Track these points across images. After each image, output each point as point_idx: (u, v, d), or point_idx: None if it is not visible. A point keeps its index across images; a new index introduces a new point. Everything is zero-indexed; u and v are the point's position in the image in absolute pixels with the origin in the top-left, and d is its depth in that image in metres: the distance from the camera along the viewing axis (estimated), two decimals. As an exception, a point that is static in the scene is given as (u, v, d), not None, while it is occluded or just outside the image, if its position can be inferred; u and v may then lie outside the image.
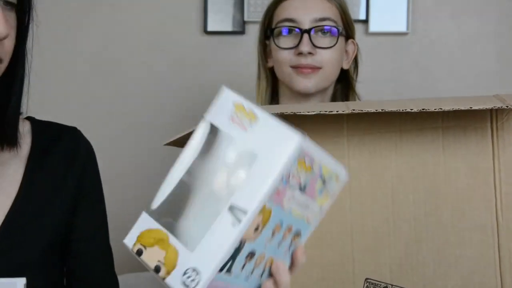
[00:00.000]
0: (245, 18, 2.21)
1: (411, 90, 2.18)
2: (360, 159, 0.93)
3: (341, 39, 1.36)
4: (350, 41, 1.43)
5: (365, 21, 2.19)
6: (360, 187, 0.93)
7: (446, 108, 0.84)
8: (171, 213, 0.67)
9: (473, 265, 0.93)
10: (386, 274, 0.93)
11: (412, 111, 0.86)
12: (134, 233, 0.69)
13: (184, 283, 0.62)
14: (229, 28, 2.23)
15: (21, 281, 0.72)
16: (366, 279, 0.92)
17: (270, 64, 1.44)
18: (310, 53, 1.29)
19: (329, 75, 1.35)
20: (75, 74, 2.20)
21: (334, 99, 1.47)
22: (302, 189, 0.67)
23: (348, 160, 0.93)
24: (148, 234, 0.67)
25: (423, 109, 0.85)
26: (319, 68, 1.31)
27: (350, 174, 0.92)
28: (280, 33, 1.34)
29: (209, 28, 2.22)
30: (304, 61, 1.30)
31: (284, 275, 0.68)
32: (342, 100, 1.46)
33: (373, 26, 2.18)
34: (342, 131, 0.93)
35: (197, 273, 0.63)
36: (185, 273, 0.63)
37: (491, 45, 2.23)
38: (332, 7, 1.34)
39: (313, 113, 0.87)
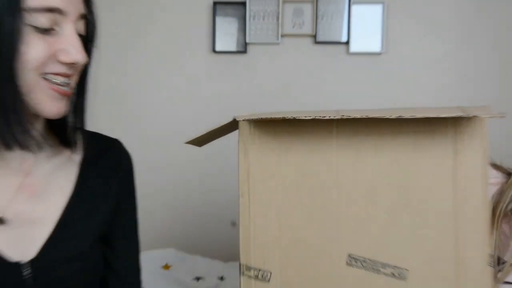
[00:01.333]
0: (247, 40, 2.22)
1: (385, 101, 2.20)
2: (346, 158, 0.94)
3: None
4: None
5: (347, 43, 2.20)
6: (346, 180, 0.94)
7: (419, 115, 0.86)
8: None
9: (436, 243, 0.94)
10: (365, 250, 0.94)
11: (391, 117, 0.87)
12: None
13: None
14: (233, 48, 2.24)
15: None
16: (349, 254, 0.94)
17: None
18: None
19: None
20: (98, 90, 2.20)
21: None
22: None
23: (337, 158, 0.94)
24: None
25: (399, 116, 0.86)
26: None
27: (340, 170, 0.94)
28: None
29: (217, 48, 2.23)
30: None
31: None
32: None
33: (353, 47, 2.20)
34: (332, 134, 0.94)
35: None
36: None
37: (451, 63, 2.25)
38: None
39: (309, 117, 0.88)
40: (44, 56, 0.75)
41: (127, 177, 0.98)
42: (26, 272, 0.83)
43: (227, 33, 2.27)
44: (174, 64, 2.27)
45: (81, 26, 0.81)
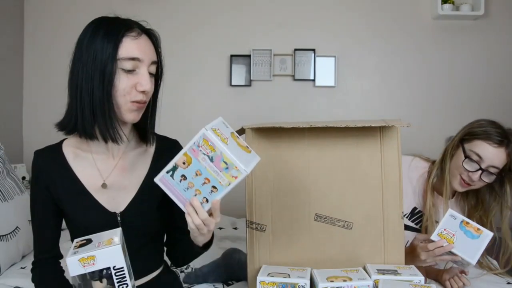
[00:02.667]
0: (251, 78, 2.20)
1: (338, 116, 2.18)
2: (314, 152, 0.93)
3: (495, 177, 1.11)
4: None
5: (313, 80, 2.19)
6: (313, 166, 0.92)
7: (359, 125, 0.85)
8: None
9: (370, 205, 0.93)
10: (326, 210, 0.93)
11: (341, 126, 0.86)
12: None
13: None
14: (243, 83, 2.22)
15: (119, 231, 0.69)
16: (316, 213, 0.93)
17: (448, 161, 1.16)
18: (474, 181, 1.09)
19: (473, 188, 1.14)
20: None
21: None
22: (211, 159, 0.67)
23: (308, 152, 0.92)
24: None
25: (346, 126, 0.85)
26: (473, 186, 1.11)
27: (310, 160, 0.93)
28: (469, 159, 1.09)
29: (233, 83, 2.22)
30: (469, 180, 1.10)
31: (196, 201, 0.70)
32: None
33: (318, 82, 2.18)
34: (304, 136, 0.93)
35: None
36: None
37: (375, 93, 2.23)
38: (505, 159, 1.09)
39: (290, 126, 0.87)
40: (128, 86, 0.77)
41: None
42: (119, 219, 0.83)
43: (239, 73, 2.25)
44: (206, 92, 2.26)
45: (153, 68, 0.80)
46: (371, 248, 0.92)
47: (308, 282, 0.79)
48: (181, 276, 1.27)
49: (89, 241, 0.67)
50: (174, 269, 1.27)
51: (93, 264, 0.62)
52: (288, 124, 0.86)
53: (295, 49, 2.21)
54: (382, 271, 0.84)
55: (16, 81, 2.15)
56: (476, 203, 1.19)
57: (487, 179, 1.09)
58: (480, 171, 1.08)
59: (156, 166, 0.89)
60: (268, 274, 0.82)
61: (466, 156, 1.10)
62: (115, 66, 0.75)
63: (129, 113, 0.79)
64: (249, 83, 2.24)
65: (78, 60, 0.77)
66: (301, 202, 0.92)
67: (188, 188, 0.69)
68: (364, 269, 0.87)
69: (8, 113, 2.06)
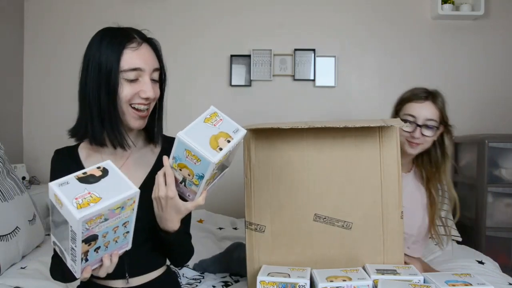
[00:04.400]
0: (251, 78, 2.20)
1: (337, 116, 2.18)
2: (312, 152, 0.93)
3: (437, 130, 1.22)
4: (441, 126, 1.24)
5: (313, 80, 2.19)
6: (312, 166, 0.92)
7: (358, 125, 0.85)
8: None
9: (370, 205, 0.93)
10: (325, 211, 0.93)
11: (340, 126, 0.86)
12: None
13: None
14: (243, 83, 2.22)
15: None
16: (315, 213, 0.93)
17: None
18: (418, 138, 1.20)
19: (425, 147, 1.23)
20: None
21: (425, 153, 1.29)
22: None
23: (307, 152, 0.92)
24: None
25: (345, 126, 0.85)
26: (421, 144, 1.21)
27: (309, 160, 0.93)
28: (404, 121, 1.20)
29: (233, 83, 2.21)
30: (413, 140, 1.20)
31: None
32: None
33: (318, 82, 2.18)
34: (303, 137, 0.93)
35: None
36: None
37: (376, 94, 2.23)
38: (436, 111, 1.22)
39: (288, 127, 0.87)
40: (130, 94, 0.83)
41: None
42: None
43: (239, 73, 2.26)
44: (206, 92, 2.25)
45: (155, 75, 0.86)
46: (371, 248, 0.92)
47: (308, 282, 0.79)
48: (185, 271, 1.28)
49: (105, 174, 0.66)
50: (177, 271, 1.28)
51: (61, 208, 0.60)
52: (287, 124, 0.86)
53: (295, 49, 2.21)
54: (381, 271, 0.84)
55: (16, 81, 2.15)
56: (431, 166, 1.28)
57: (428, 132, 1.20)
58: (419, 128, 1.20)
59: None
60: (268, 274, 0.82)
61: (403, 121, 1.20)
62: (119, 77, 0.81)
63: (135, 121, 0.85)
64: (249, 83, 2.24)
65: (85, 72, 0.83)
66: (300, 202, 0.92)
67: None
68: (364, 269, 0.87)
69: (8, 113, 2.06)
